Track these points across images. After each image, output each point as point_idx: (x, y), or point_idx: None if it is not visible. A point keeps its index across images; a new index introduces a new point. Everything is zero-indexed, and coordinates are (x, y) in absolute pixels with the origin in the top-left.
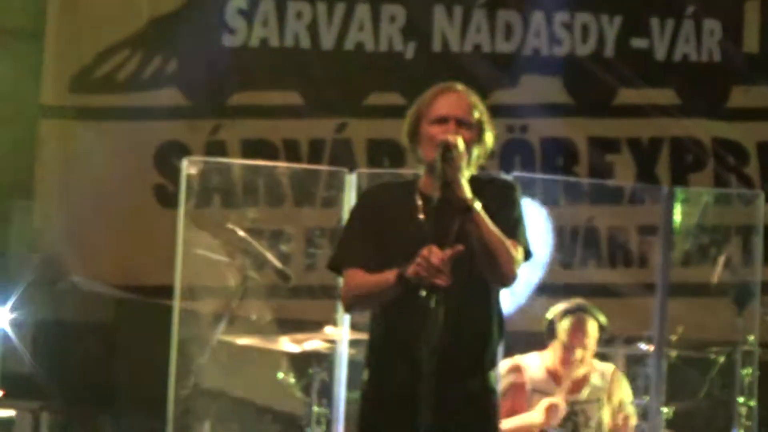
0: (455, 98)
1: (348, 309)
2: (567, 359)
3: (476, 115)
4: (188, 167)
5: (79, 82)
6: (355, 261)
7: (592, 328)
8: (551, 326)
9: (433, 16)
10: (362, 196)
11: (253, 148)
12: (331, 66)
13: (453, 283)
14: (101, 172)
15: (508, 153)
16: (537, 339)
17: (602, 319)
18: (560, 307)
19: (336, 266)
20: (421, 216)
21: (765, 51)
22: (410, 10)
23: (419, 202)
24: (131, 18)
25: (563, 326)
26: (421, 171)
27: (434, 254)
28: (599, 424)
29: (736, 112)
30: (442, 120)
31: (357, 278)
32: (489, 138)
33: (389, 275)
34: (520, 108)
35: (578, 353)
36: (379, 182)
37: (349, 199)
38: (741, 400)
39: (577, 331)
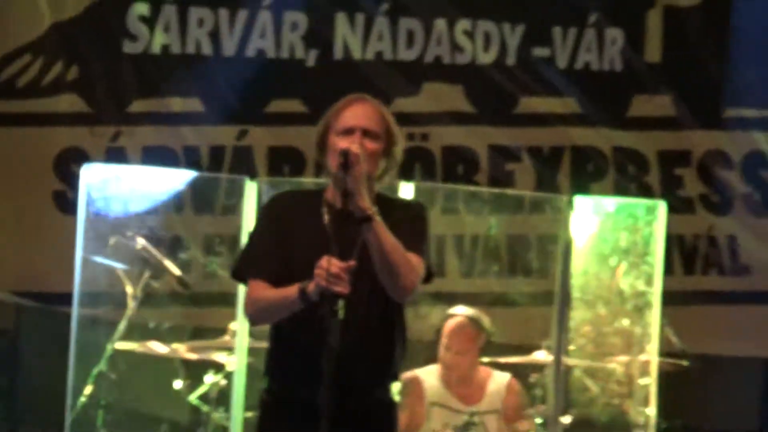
0: (362, 109)
1: (252, 322)
2: (447, 362)
3: (384, 126)
4: (88, 174)
5: None
6: (259, 271)
7: (472, 332)
8: (436, 334)
9: (335, 24)
10: (268, 203)
11: (154, 154)
12: (232, 73)
13: (355, 294)
14: (1, 177)
15: (408, 161)
16: (436, 348)
17: (485, 324)
18: (444, 315)
19: (239, 275)
20: (326, 225)
21: (666, 60)
22: (312, 17)
23: (325, 212)
24: (33, 23)
25: (444, 331)
26: (329, 181)
27: (333, 264)
28: None
29: (637, 121)
30: (348, 131)
31: (261, 291)
32: (398, 150)
33: (291, 290)
34: (422, 116)
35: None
36: (286, 190)
37: (249, 206)
38: (639, 409)
39: (456, 334)
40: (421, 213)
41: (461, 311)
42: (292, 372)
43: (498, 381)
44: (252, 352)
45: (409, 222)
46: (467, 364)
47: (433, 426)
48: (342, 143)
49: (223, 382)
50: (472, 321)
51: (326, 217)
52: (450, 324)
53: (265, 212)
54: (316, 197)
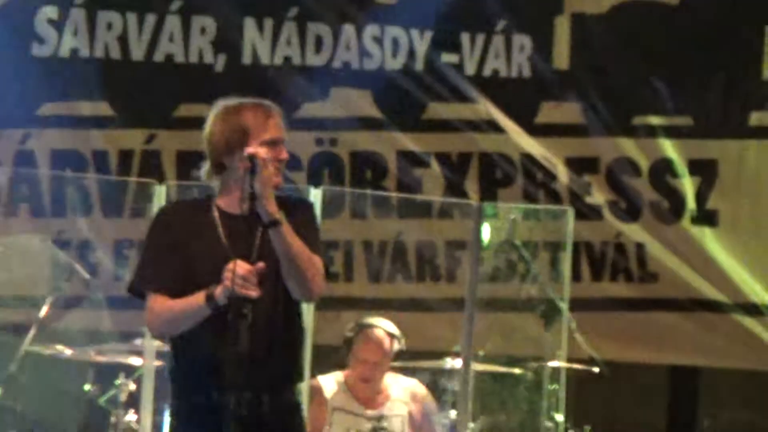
0: (279, 120)
1: (157, 335)
2: (361, 374)
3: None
4: None
5: None
6: (158, 284)
7: (386, 344)
8: (347, 343)
9: (243, 29)
10: (157, 216)
11: (62, 158)
12: (141, 77)
13: (260, 298)
14: None
15: (317, 166)
16: (344, 354)
17: (397, 334)
18: (353, 324)
19: (137, 290)
20: (221, 232)
21: (574, 67)
22: (220, 22)
23: (218, 219)
24: None
25: (357, 342)
26: (218, 185)
27: (240, 266)
28: None
29: (545, 127)
30: (276, 142)
31: (162, 304)
32: None
33: (197, 297)
34: (330, 121)
35: (370, 370)
36: (172, 201)
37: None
38: (548, 415)
39: (369, 345)
40: (311, 210)
41: (377, 323)
42: (196, 377)
43: (403, 385)
44: (161, 355)
45: (303, 222)
46: (380, 374)
47: (335, 431)
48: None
49: (133, 385)
50: (389, 335)
51: (219, 223)
52: (366, 337)
53: (156, 225)
54: (205, 204)
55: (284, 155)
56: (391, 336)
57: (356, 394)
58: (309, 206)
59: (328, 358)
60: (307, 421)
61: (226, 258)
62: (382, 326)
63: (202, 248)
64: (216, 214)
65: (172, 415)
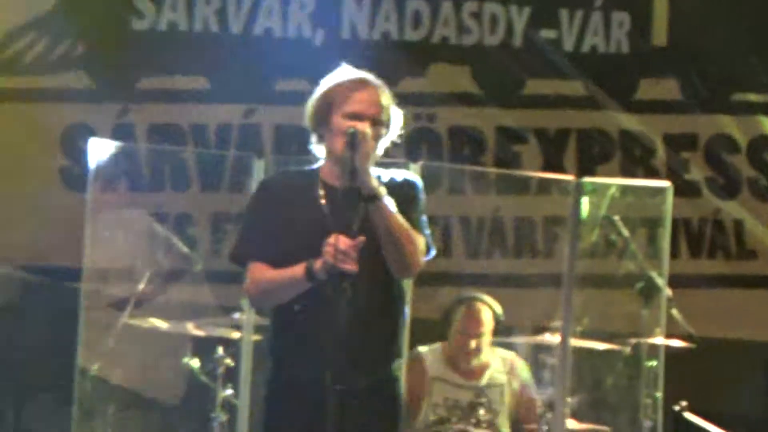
0: (371, 95)
1: (254, 304)
2: (462, 347)
3: (387, 112)
4: (95, 150)
5: None
6: (258, 254)
7: (486, 317)
8: (447, 316)
9: (342, 3)
10: (260, 185)
11: (161, 132)
12: (239, 51)
13: (360, 272)
14: (8, 153)
15: (415, 142)
16: (443, 329)
17: (497, 309)
18: (455, 300)
19: (238, 259)
20: (324, 205)
21: (673, 43)
22: None
23: (321, 192)
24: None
25: (457, 315)
26: (323, 158)
27: (341, 241)
28: (501, 410)
29: (644, 104)
30: (358, 117)
31: (262, 273)
32: (394, 131)
33: (296, 269)
34: (428, 97)
35: (472, 343)
36: (277, 171)
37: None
38: (646, 392)
39: (471, 318)
40: (417, 188)
41: (476, 296)
42: (296, 352)
43: (502, 357)
44: (258, 329)
45: (406, 198)
46: (480, 348)
47: (435, 401)
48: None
49: (231, 359)
50: (488, 306)
51: (323, 196)
52: (467, 309)
53: (258, 195)
54: (310, 176)
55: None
56: (491, 310)
57: (456, 366)
58: (414, 184)
59: (425, 333)
60: (406, 392)
61: (328, 230)
62: (482, 300)
63: (304, 219)
64: (320, 185)
65: (269, 389)
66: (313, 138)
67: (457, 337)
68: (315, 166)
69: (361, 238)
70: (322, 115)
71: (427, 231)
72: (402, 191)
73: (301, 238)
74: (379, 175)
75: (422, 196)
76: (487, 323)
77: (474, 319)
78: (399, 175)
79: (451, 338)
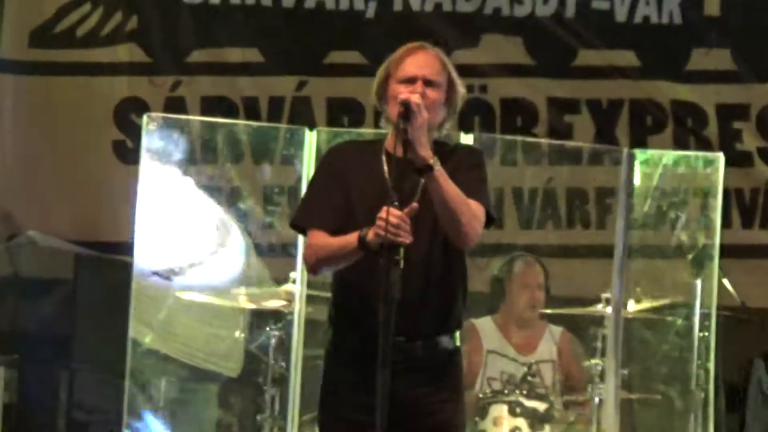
0: (424, 58)
1: (312, 271)
2: (526, 301)
3: (445, 75)
4: (148, 123)
5: (39, 37)
6: (319, 221)
7: (540, 272)
8: (499, 284)
9: None
10: (326, 153)
11: (213, 105)
12: (291, 24)
13: (417, 243)
14: (60, 127)
15: (467, 113)
16: (495, 299)
17: (543, 263)
18: (502, 263)
19: (298, 225)
20: (386, 175)
21: (725, 14)
22: None
23: (384, 161)
24: None
25: (515, 270)
26: (388, 130)
27: (392, 214)
28: (553, 383)
29: (696, 74)
30: (410, 80)
31: (321, 240)
32: (457, 98)
33: (352, 238)
34: (480, 68)
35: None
36: (344, 141)
37: (309, 157)
38: (698, 362)
39: (529, 271)
40: (479, 158)
41: (525, 253)
42: (355, 322)
43: (552, 332)
44: (310, 301)
45: (467, 168)
46: (541, 301)
47: (489, 373)
48: (403, 92)
49: (283, 332)
50: (539, 261)
51: (386, 167)
52: (523, 264)
53: (324, 162)
54: (376, 147)
55: (414, 95)
56: (540, 263)
57: (510, 338)
58: (476, 153)
59: (478, 305)
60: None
61: (387, 199)
62: (533, 256)
63: (366, 189)
64: (383, 155)
65: (327, 358)
66: (380, 110)
67: (517, 293)
68: (381, 136)
69: (414, 205)
70: (382, 86)
71: (489, 199)
72: (464, 159)
73: (363, 207)
74: (441, 144)
75: (484, 164)
76: (541, 278)
77: (533, 272)
78: (461, 144)
79: (506, 306)
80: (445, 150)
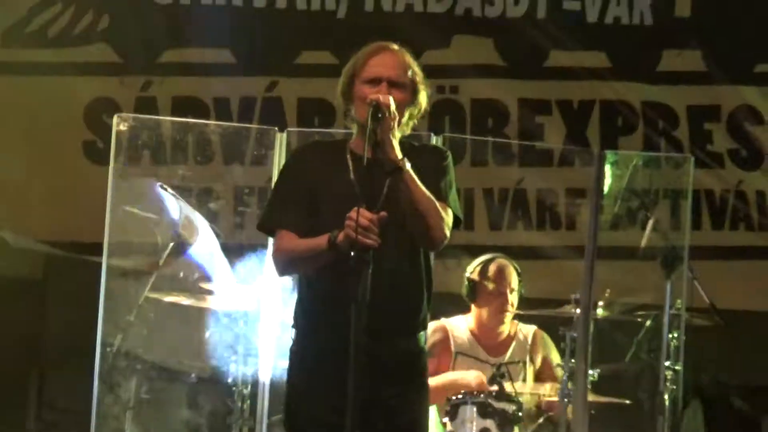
0: (389, 58)
1: (281, 273)
2: (499, 306)
3: (410, 75)
4: (118, 123)
5: (10, 37)
6: (286, 222)
7: (513, 274)
8: (471, 285)
9: None
10: (292, 155)
11: (184, 105)
12: (262, 24)
13: (384, 245)
14: (31, 127)
15: (438, 113)
16: (464, 300)
17: (516, 265)
18: (475, 263)
19: (266, 227)
20: (352, 176)
21: (696, 15)
22: None
23: (350, 162)
24: None
25: (484, 276)
26: (353, 131)
27: (362, 215)
28: (523, 384)
29: (667, 75)
30: (375, 81)
31: (289, 242)
32: (422, 98)
33: (321, 240)
34: (451, 68)
35: (511, 297)
36: (309, 141)
37: (279, 157)
38: (667, 363)
39: (502, 274)
40: (446, 159)
41: (499, 254)
42: (320, 323)
43: (524, 332)
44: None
45: (434, 169)
46: (512, 305)
47: None
48: (370, 93)
49: (250, 332)
50: (512, 263)
51: (351, 167)
52: (494, 265)
53: (289, 164)
54: (341, 147)
55: (381, 95)
56: (513, 265)
57: (480, 340)
58: (443, 153)
59: (449, 305)
60: (431, 364)
61: (354, 201)
62: (506, 257)
63: (331, 189)
64: (349, 156)
65: (292, 359)
66: (344, 110)
67: (491, 295)
68: (345, 137)
69: (383, 214)
70: (347, 86)
71: (456, 200)
72: (431, 159)
73: (329, 208)
74: (408, 144)
75: (451, 165)
76: (515, 279)
77: (507, 274)
78: (428, 145)
79: (479, 306)
80: (412, 149)
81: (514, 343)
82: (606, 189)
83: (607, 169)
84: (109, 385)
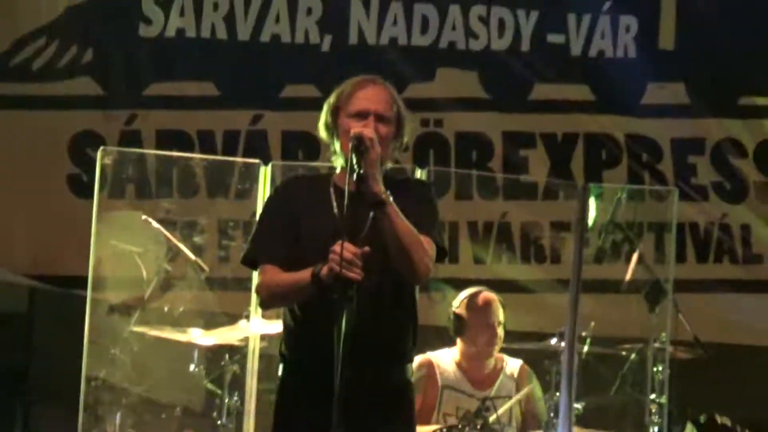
0: (375, 92)
1: (265, 306)
2: (487, 340)
3: (395, 109)
4: (103, 157)
5: None
6: (270, 256)
7: (500, 308)
8: (458, 320)
9: (349, 9)
10: (276, 188)
11: (168, 138)
12: (247, 57)
13: (368, 277)
14: (16, 160)
15: (422, 147)
16: (449, 333)
17: (500, 298)
18: (462, 297)
19: (251, 261)
20: (335, 209)
21: (680, 48)
22: (327, 2)
23: (333, 196)
24: (48, 6)
25: (470, 311)
26: (337, 164)
27: (346, 249)
28: (509, 419)
29: (651, 108)
30: (362, 114)
31: (273, 275)
32: (406, 132)
33: (305, 274)
34: (436, 102)
35: (499, 330)
36: (293, 175)
37: (263, 191)
38: (652, 397)
39: (489, 308)
40: (429, 191)
41: (485, 288)
42: (307, 356)
43: (511, 367)
44: (265, 336)
45: (418, 202)
46: (493, 348)
47: (445, 409)
48: (355, 127)
49: (237, 366)
50: (498, 296)
51: (335, 201)
52: (482, 299)
53: (274, 197)
54: (325, 181)
55: (368, 129)
56: (498, 299)
57: (467, 373)
58: (425, 187)
59: (434, 339)
60: (417, 398)
61: (337, 234)
62: (490, 290)
63: (315, 223)
64: (332, 190)
65: (279, 393)
66: (329, 144)
67: (475, 334)
68: (329, 170)
69: (366, 249)
70: (331, 119)
71: (440, 232)
72: (414, 192)
73: (313, 242)
74: (391, 177)
75: (435, 197)
76: (502, 313)
77: (493, 309)
78: (411, 178)
79: (466, 340)
80: (395, 183)
81: (500, 377)
82: (590, 222)
83: (592, 202)
84: (94, 419)
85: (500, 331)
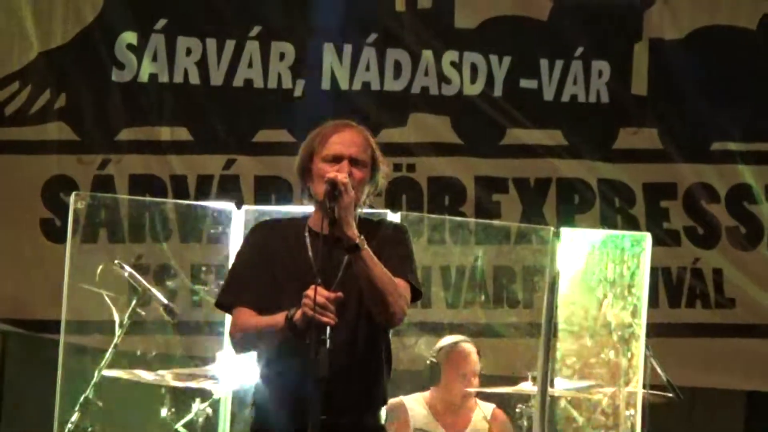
0: (350, 136)
1: (238, 350)
2: (461, 390)
3: (369, 152)
4: (76, 202)
5: None
6: (243, 300)
7: (476, 360)
8: (434, 368)
9: (322, 54)
10: (250, 232)
11: (141, 183)
12: (220, 102)
13: (342, 321)
14: None
15: (395, 191)
16: (421, 378)
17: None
18: (440, 345)
19: (224, 305)
20: (310, 253)
21: (652, 93)
22: (299, 47)
23: (308, 239)
24: (21, 51)
25: (448, 361)
26: (311, 208)
27: (319, 293)
28: None
29: (623, 153)
30: (337, 158)
31: (246, 319)
32: (380, 176)
33: (278, 318)
34: (408, 146)
35: (474, 381)
36: (267, 219)
37: (236, 235)
38: None
39: (467, 360)
40: (403, 233)
41: (464, 339)
42: (278, 401)
43: (483, 410)
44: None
45: (392, 244)
46: (468, 394)
47: None
48: (329, 171)
49: (210, 410)
50: (474, 349)
51: (309, 244)
52: (460, 352)
53: (248, 241)
54: (299, 224)
55: (342, 174)
56: (476, 351)
57: (439, 417)
58: (400, 229)
59: (406, 383)
60: None
61: (311, 278)
62: (469, 341)
63: (289, 266)
64: (307, 233)
65: None
66: (302, 187)
67: (453, 379)
68: (303, 214)
69: (339, 294)
70: (306, 162)
71: (415, 274)
72: (389, 235)
73: (287, 285)
74: (366, 220)
75: (410, 240)
76: (478, 364)
77: (470, 360)
78: (386, 221)
79: (446, 381)
80: (370, 226)
81: (472, 421)
82: (563, 267)
83: (564, 247)
84: None
85: (475, 381)
